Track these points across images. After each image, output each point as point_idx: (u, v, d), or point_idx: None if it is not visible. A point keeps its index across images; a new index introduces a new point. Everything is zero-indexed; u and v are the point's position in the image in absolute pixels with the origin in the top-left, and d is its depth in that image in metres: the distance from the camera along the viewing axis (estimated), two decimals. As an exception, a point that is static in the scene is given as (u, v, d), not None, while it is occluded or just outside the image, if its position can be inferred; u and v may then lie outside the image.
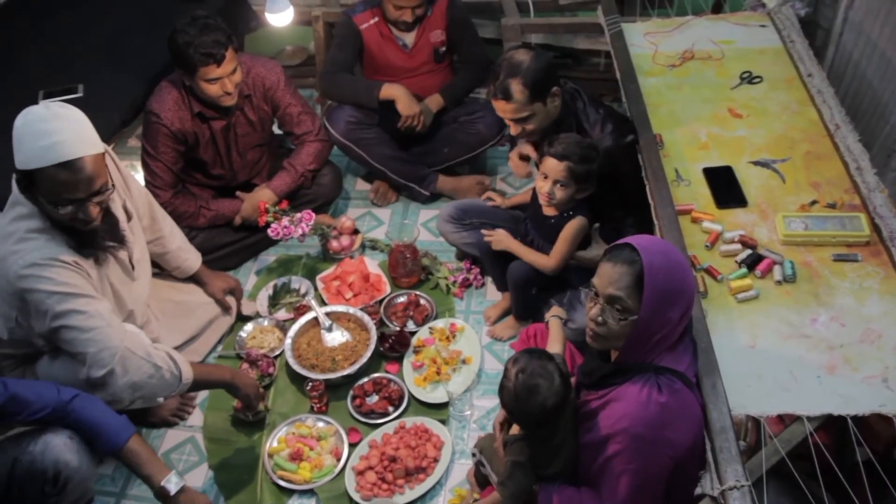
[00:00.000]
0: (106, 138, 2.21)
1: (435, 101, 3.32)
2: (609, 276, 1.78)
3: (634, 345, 1.79)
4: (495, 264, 2.87)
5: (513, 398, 1.91)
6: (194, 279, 2.89)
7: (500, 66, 2.51)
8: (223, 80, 2.80)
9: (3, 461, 2.01)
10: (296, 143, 3.23)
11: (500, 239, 2.73)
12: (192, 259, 2.85)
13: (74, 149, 2.04)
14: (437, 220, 3.09)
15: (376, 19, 3.23)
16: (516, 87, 2.46)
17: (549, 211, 2.60)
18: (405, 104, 3.20)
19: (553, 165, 2.46)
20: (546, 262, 2.62)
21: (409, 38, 3.27)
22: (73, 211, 2.11)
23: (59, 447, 2.02)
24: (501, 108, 2.53)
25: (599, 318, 1.82)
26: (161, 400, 2.54)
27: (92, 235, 2.23)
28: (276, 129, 3.32)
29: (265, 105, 3.09)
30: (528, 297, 2.79)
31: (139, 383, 2.20)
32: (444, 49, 3.33)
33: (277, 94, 3.09)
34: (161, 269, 2.84)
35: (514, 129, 2.59)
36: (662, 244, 1.83)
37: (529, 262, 2.66)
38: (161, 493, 2.08)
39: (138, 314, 2.51)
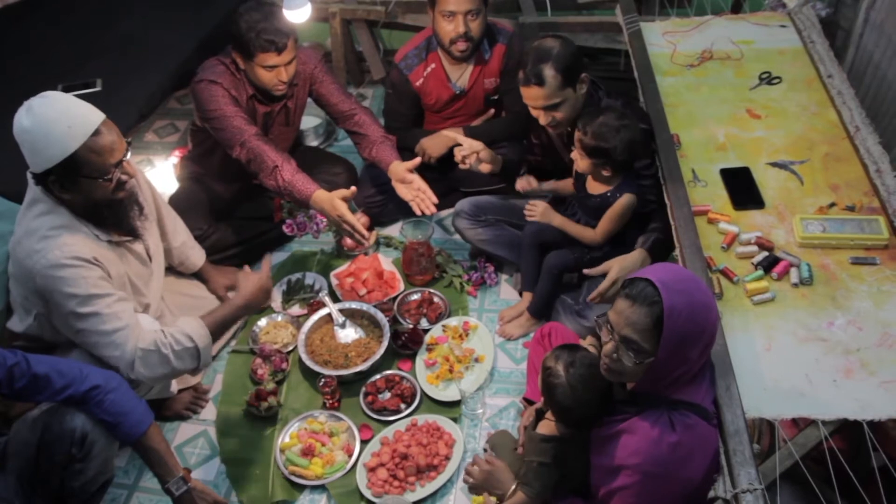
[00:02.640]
0: (123, 132, 2.24)
1: (452, 133, 3.26)
2: (626, 317, 1.69)
3: (651, 382, 1.75)
4: (530, 259, 2.84)
5: (569, 392, 1.90)
6: (198, 276, 2.91)
7: (527, 54, 2.49)
8: (279, 68, 2.80)
9: (34, 430, 2.04)
10: (346, 116, 3.11)
11: (542, 211, 2.69)
12: (195, 255, 2.86)
13: (93, 116, 2.13)
14: (453, 216, 3.08)
15: (433, 66, 3.15)
16: (549, 73, 2.44)
17: (593, 189, 2.58)
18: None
19: (576, 136, 2.46)
20: (591, 235, 2.61)
21: (464, 81, 3.18)
22: (119, 176, 2.18)
23: (86, 413, 2.05)
24: (533, 95, 2.50)
25: (614, 356, 1.74)
26: (174, 391, 2.57)
27: (121, 210, 2.29)
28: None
29: (304, 94, 3.10)
30: (557, 288, 2.78)
31: (167, 373, 2.28)
32: (495, 97, 3.26)
33: (317, 74, 3.08)
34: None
35: (543, 118, 2.56)
36: (685, 280, 1.70)
37: (573, 234, 2.64)
38: (166, 492, 2.12)
39: (153, 307, 2.53)
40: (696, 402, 1.75)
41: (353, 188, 2.87)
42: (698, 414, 1.73)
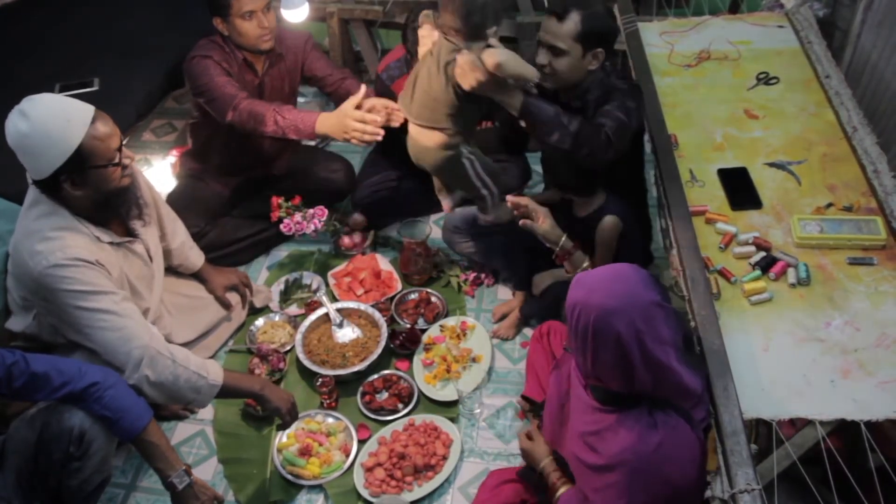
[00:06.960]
0: (121, 132, 2.23)
1: None
2: None
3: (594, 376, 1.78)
4: (517, 264, 2.82)
5: None
6: (197, 276, 2.90)
7: None
8: (258, 14, 2.80)
9: (33, 428, 2.03)
10: (338, 84, 3.13)
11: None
12: (194, 256, 2.85)
13: (87, 107, 2.13)
14: (442, 230, 3.06)
15: None
16: (574, 17, 2.26)
17: (580, 210, 2.47)
18: None
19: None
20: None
21: None
22: (121, 164, 2.19)
23: (85, 411, 2.04)
24: (546, 25, 2.31)
25: None
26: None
27: (129, 197, 2.29)
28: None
29: (295, 64, 3.09)
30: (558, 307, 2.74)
31: (167, 385, 2.20)
32: None
33: (308, 49, 3.09)
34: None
35: (542, 56, 2.35)
36: (606, 279, 1.71)
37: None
38: (169, 487, 2.12)
39: (153, 311, 2.52)
40: (682, 406, 1.72)
41: (364, 89, 2.78)
42: (681, 415, 1.72)
